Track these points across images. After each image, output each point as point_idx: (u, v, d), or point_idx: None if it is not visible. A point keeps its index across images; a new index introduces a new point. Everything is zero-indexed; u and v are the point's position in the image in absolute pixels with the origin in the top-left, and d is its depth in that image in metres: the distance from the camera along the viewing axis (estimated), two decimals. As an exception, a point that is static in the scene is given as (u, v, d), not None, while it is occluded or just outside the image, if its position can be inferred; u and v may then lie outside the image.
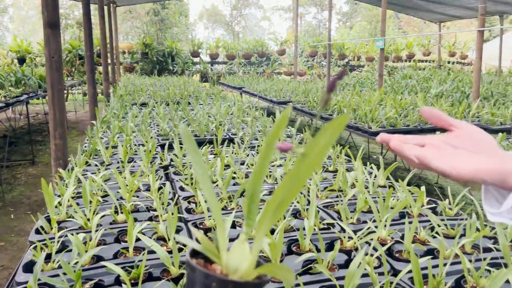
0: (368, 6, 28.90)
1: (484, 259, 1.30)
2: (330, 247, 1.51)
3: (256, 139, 3.27)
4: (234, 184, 2.18)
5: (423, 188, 1.88)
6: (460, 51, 15.99)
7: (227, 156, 2.51)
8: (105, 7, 9.56)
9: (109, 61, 9.67)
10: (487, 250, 1.48)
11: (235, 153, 2.78)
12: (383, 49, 7.69)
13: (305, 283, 1.25)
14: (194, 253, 0.50)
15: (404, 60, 15.62)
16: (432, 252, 1.48)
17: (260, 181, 0.48)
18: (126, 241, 1.50)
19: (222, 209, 1.85)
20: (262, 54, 14.83)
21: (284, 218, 1.58)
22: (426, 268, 1.24)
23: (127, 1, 13.64)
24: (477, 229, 1.57)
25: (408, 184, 1.99)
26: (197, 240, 0.49)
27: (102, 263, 1.30)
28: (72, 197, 1.97)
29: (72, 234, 1.40)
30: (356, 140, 7.09)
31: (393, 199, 1.91)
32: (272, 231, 1.48)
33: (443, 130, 0.69)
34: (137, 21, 22.07)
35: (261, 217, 0.47)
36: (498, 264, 1.35)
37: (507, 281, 1.12)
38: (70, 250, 1.40)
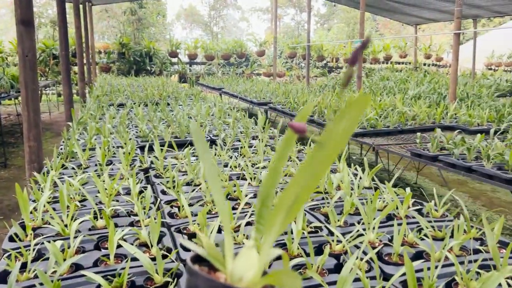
0: (346, 8, 29.22)
1: (475, 261, 1.29)
2: (318, 251, 1.48)
3: (239, 141, 3.22)
4: (217, 187, 2.12)
5: (408, 189, 1.88)
6: (435, 54, 16.32)
7: (209, 158, 2.45)
8: (81, 6, 9.33)
9: (84, 61, 9.46)
10: (474, 252, 1.48)
11: (218, 155, 2.73)
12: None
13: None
14: (196, 260, 0.46)
15: (381, 62, 15.84)
16: (421, 254, 1.46)
17: (275, 183, 0.43)
18: (106, 248, 1.44)
19: (207, 213, 1.80)
20: (241, 55, 14.78)
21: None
22: (417, 271, 1.22)
23: (103, 0, 13.38)
24: (464, 231, 1.57)
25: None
26: (188, 238, 0.45)
27: (82, 272, 1.23)
28: (48, 202, 1.89)
29: (49, 242, 1.32)
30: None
31: (379, 201, 1.89)
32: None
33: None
34: (113, 20, 21.70)
35: (270, 220, 0.43)
36: (487, 266, 1.34)
37: (499, 284, 1.11)
38: (47, 259, 1.33)
